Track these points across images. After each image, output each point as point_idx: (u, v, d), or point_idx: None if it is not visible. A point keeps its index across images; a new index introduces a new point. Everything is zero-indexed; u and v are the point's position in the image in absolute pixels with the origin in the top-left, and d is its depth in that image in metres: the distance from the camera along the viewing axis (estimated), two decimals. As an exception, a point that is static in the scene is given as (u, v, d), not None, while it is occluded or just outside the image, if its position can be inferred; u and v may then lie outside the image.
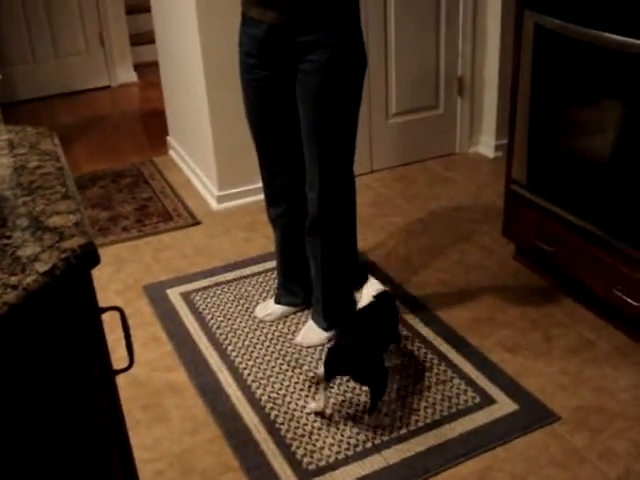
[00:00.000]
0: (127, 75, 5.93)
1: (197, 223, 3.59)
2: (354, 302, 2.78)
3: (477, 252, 3.23)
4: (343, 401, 2.39)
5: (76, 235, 1.10)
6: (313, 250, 2.63)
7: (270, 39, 2.30)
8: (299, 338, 2.70)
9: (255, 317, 2.83)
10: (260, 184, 3.69)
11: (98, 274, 3.28)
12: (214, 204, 3.73)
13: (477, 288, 2.98)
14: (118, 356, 1.45)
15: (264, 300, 2.92)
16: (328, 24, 2.25)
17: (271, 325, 2.79)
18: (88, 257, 1.08)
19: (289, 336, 2.72)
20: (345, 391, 2.43)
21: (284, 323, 2.80)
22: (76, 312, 1.15)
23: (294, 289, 2.82)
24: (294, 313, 2.84)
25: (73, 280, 1.08)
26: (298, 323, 2.79)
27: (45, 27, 5.60)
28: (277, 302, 2.85)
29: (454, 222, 3.49)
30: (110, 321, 1.43)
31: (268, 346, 2.68)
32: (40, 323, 1.05)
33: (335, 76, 2.30)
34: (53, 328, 1.09)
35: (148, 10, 4.39)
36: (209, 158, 3.71)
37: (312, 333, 2.70)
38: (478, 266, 3.13)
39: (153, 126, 4.88)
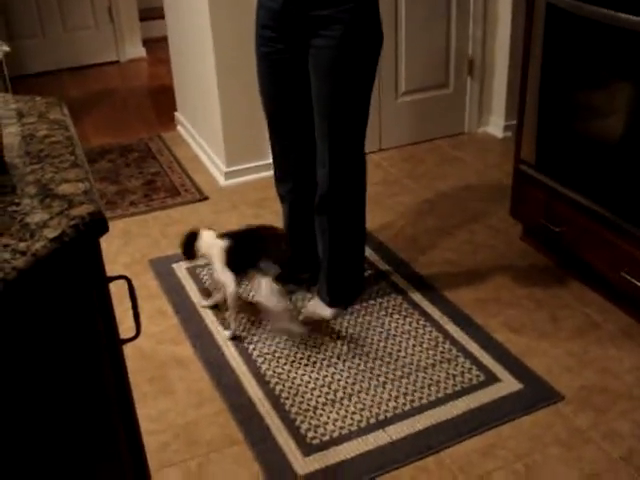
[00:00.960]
0: (136, 50, 5.91)
1: (205, 199, 3.59)
2: (361, 281, 2.78)
3: (484, 232, 3.22)
4: (347, 377, 2.40)
5: (85, 203, 1.10)
6: (321, 227, 2.63)
7: (286, 12, 2.29)
8: (305, 314, 2.70)
9: (261, 293, 2.84)
10: (267, 161, 3.70)
11: (106, 247, 3.29)
12: (222, 180, 3.72)
13: (484, 268, 2.98)
14: (125, 327, 1.46)
15: None
16: (332, 5, 2.23)
17: (277, 301, 2.79)
18: (97, 225, 1.08)
19: (295, 312, 2.73)
20: (350, 367, 2.44)
21: (290, 299, 2.80)
22: (84, 280, 1.15)
23: (302, 265, 2.82)
24: (301, 289, 2.85)
25: (82, 248, 1.08)
26: (304, 299, 2.79)
27: (54, 0, 5.57)
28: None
29: (462, 202, 3.48)
30: (117, 292, 1.44)
31: (274, 322, 2.68)
32: (48, 290, 1.06)
33: (348, 53, 2.29)
34: (61, 295, 1.09)
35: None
36: (217, 134, 3.70)
37: (318, 309, 2.70)
38: (485, 246, 3.12)
39: (161, 102, 4.86)
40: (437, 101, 4.05)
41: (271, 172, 3.72)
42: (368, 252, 2.98)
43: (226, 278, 2.55)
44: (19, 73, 5.36)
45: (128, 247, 3.22)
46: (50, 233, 1.02)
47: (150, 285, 2.94)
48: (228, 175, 3.70)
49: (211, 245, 2.58)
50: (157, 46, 5.76)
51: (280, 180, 2.71)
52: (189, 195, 3.62)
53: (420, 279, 2.90)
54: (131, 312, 1.36)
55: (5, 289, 0.92)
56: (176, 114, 4.45)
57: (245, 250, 2.54)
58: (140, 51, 5.93)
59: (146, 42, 5.93)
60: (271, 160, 3.71)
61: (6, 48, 3.90)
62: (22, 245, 1.00)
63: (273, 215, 3.33)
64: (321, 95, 2.37)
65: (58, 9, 5.61)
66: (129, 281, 1.30)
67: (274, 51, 2.40)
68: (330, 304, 2.69)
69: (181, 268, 3.03)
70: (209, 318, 2.71)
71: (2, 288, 0.91)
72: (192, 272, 2.99)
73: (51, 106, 1.52)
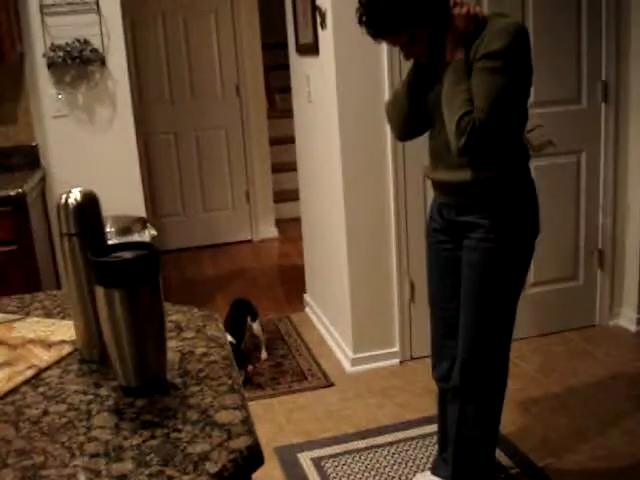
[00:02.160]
0: (269, 230, 6.22)
1: (330, 385, 3.62)
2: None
3: (619, 435, 3.07)
4: None
5: (243, 435, 1.15)
6: (452, 414, 2.57)
7: (441, 213, 2.46)
8: None
9: (387, 491, 2.78)
10: (394, 349, 3.76)
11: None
12: (348, 366, 3.76)
13: (621, 476, 2.82)
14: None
15: (421, 471, 2.86)
16: (482, 207, 2.32)
17: (403, 501, 2.72)
18: (254, 458, 1.12)
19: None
20: None
21: None
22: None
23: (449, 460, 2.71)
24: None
25: (239, 478, 1.12)
26: (431, 501, 2.71)
27: (197, 184, 6.03)
28: (433, 472, 2.76)
29: (594, 400, 3.36)
30: None
31: (399, 524, 2.61)
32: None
33: (487, 258, 2.35)
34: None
35: (291, 169, 4.64)
36: (345, 319, 3.78)
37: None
38: (622, 452, 2.97)
39: (290, 282, 5.04)
40: (567, 293, 4.02)
41: (396, 360, 3.77)
42: (497, 453, 2.89)
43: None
44: (160, 248, 5.71)
45: (254, 431, 3.25)
46: (211, 467, 1.07)
47: (274, 475, 2.94)
48: (354, 361, 3.74)
49: None
50: (289, 226, 6.05)
51: (435, 365, 2.68)
52: (315, 380, 3.66)
53: (551, 486, 2.77)
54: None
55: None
56: (305, 296, 4.59)
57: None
58: (272, 231, 6.23)
59: (278, 222, 6.24)
60: (397, 348, 3.78)
61: (154, 232, 4.20)
62: (185, 478, 1.05)
63: (398, 406, 3.32)
64: (465, 292, 2.42)
65: (200, 191, 6.04)
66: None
67: (437, 241, 2.52)
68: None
69: (306, 458, 3.02)
70: (333, 515, 2.67)
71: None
72: (317, 463, 2.98)
73: (208, 320, 1.63)
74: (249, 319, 3.91)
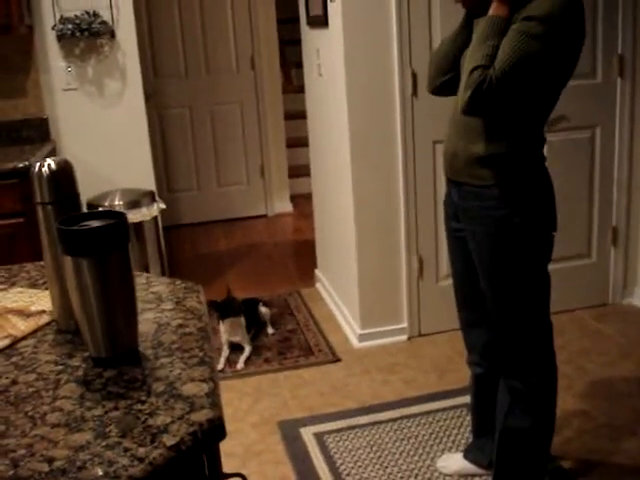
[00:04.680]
0: (283, 205, 6.20)
1: (337, 360, 3.60)
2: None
3: (627, 415, 3.03)
4: None
5: (206, 407, 1.13)
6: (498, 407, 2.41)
7: (450, 195, 2.32)
8: None
9: (386, 468, 2.76)
10: (401, 325, 3.73)
11: (237, 404, 3.29)
12: (355, 342, 3.74)
13: (625, 456, 2.78)
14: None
15: (448, 451, 2.81)
16: (481, 196, 2.16)
17: None
18: (215, 431, 1.10)
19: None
20: None
21: None
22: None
23: (484, 446, 2.60)
24: (480, 476, 2.65)
25: (199, 451, 1.10)
26: None
27: (211, 158, 6.01)
28: (465, 456, 2.69)
29: (603, 380, 3.31)
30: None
31: (397, 500, 2.59)
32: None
33: (491, 257, 2.20)
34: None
35: (307, 144, 4.60)
36: (353, 295, 3.76)
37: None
38: (627, 431, 2.93)
39: (303, 257, 5.02)
40: (579, 270, 3.96)
41: (404, 336, 3.75)
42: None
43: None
44: (174, 223, 5.74)
45: (258, 405, 3.25)
46: (169, 440, 1.05)
47: (276, 449, 2.94)
48: (362, 337, 3.72)
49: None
50: (304, 201, 6.02)
51: (468, 350, 2.58)
52: (322, 356, 3.65)
53: (565, 475, 2.71)
54: None
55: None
56: (316, 271, 4.57)
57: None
58: (287, 206, 6.21)
59: (293, 197, 6.22)
60: (405, 324, 3.75)
61: (162, 206, 4.20)
62: (141, 451, 1.03)
63: (403, 383, 3.30)
64: (483, 291, 2.29)
65: (214, 166, 6.02)
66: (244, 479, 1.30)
67: (452, 229, 2.38)
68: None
69: (308, 433, 3.01)
70: (332, 490, 2.66)
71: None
72: (319, 438, 2.97)
73: (189, 292, 1.61)
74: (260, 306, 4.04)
